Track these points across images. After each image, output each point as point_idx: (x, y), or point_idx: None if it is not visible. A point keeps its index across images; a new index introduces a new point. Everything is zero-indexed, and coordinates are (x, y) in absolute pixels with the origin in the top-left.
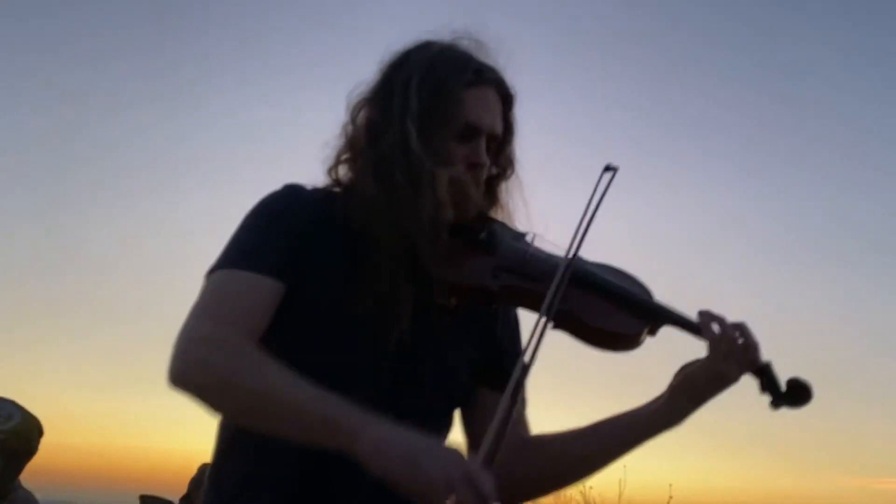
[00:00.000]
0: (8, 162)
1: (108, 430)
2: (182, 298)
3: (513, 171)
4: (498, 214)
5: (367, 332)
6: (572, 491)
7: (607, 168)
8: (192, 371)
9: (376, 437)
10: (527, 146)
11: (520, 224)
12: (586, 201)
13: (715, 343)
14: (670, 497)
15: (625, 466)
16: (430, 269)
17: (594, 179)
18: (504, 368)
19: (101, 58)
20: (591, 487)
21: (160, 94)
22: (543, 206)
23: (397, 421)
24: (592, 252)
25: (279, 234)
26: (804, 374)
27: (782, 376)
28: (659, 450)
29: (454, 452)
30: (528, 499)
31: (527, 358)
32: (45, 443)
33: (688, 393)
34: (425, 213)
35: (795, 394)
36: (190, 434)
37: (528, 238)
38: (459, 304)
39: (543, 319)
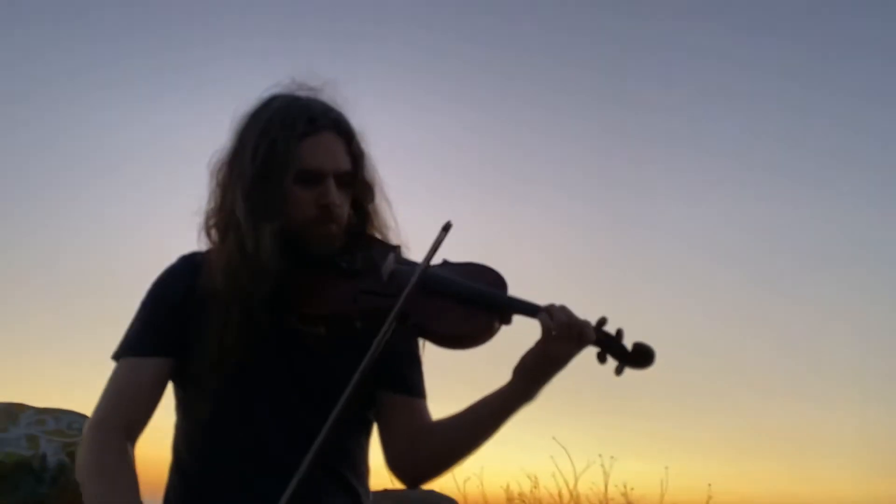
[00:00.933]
0: None
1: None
2: None
3: (374, 194)
4: (374, 231)
5: (250, 376)
6: (614, 492)
7: (445, 227)
8: (77, 469)
9: None
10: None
11: (393, 236)
12: (425, 252)
13: (546, 324)
14: (710, 497)
15: (666, 468)
16: (289, 306)
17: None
18: (401, 371)
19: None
20: (632, 489)
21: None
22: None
23: (308, 440)
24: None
25: (159, 316)
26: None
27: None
28: (699, 450)
29: None
30: (428, 479)
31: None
32: None
33: (525, 372)
34: (252, 265)
35: (636, 356)
36: None
37: (398, 251)
38: (328, 331)
39: (386, 328)
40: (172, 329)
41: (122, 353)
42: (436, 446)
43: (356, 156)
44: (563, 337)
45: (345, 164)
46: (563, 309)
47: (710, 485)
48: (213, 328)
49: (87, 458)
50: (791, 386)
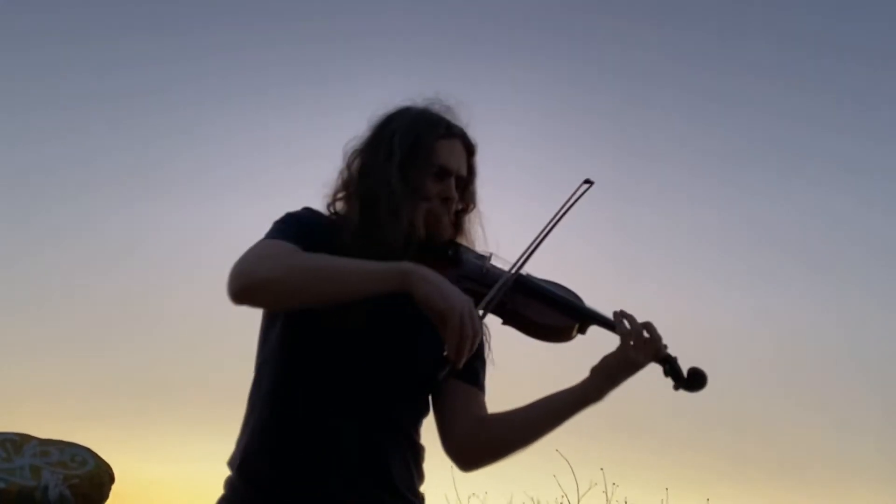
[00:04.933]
0: None
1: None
2: None
3: (475, 206)
4: (463, 240)
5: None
6: None
7: (586, 181)
8: (263, 272)
9: (422, 273)
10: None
11: (479, 247)
12: (559, 206)
13: (625, 336)
14: None
15: (667, 489)
16: None
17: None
18: (473, 365)
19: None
20: None
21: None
22: (501, 229)
23: (374, 397)
24: (540, 265)
25: (298, 229)
26: None
27: (684, 366)
28: (699, 471)
29: (467, 297)
30: (485, 464)
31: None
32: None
33: (603, 374)
34: (400, 234)
35: (693, 380)
36: None
37: (487, 257)
38: None
39: (498, 288)
40: (308, 245)
41: (269, 237)
42: (500, 433)
43: (471, 169)
44: (640, 346)
45: (464, 170)
46: (647, 324)
47: (707, 499)
48: None
49: (261, 250)
50: (793, 401)
